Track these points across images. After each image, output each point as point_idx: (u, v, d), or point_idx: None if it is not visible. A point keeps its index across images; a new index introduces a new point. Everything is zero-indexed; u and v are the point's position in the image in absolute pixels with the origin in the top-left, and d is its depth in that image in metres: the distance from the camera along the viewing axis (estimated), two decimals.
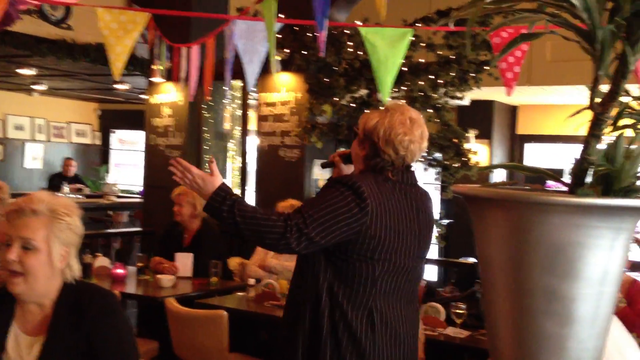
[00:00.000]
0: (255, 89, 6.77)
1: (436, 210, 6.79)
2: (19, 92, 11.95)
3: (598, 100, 1.24)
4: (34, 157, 12.60)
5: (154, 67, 6.71)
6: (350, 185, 2.31)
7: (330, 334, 2.32)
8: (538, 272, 1.27)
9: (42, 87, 10.97)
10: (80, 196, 10.13)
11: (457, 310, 3.79)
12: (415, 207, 2.43)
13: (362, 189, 2.29)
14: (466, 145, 5.99)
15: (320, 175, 6.64)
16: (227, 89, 6.38)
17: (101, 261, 5.11)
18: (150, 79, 7.28)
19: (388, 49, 3.38)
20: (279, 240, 2.22)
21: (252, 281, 4.55)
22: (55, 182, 10.40)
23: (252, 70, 3.79)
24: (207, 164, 2.34)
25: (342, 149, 3.02)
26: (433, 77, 5.63)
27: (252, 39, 3.64)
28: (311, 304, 2.36)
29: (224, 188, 2.27)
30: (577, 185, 1.27)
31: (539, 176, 1.39)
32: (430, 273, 7.16)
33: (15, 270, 1.92)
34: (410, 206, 2.42)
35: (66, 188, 10.04)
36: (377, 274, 2.34)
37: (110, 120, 13.64)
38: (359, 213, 2.28)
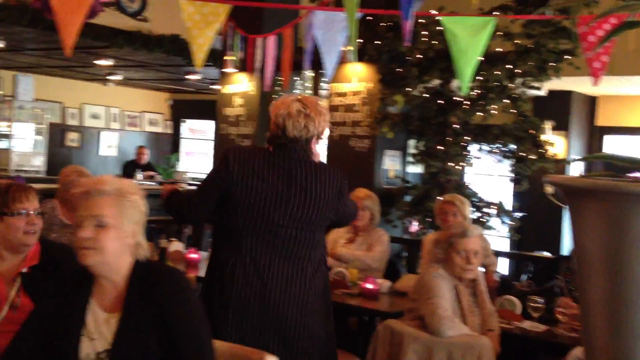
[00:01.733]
0: (327, 79, 6.81)
1: (509, 202, 6.65)
2: (95, 82, 12.34)
3: None
4: (109, 145, 13.02)
5: (226, 57, 6.80)
6: (223, 153, 2.77)
7: (207, 281, 2.79)
8: (635, 263, 1.26)
9: (117, 78, 11.27)
10: (153, 183, 10.38)
11: (535, 304, 3.73)
12: (286, 177, 2.71)
13: (229, 154, 2.72)
14: (543, 137, 5.87)
15: (391, 165, 6.62)
16: (297, 79, 6.40)
17: (176, 246, 5.22)
18: (222, 69, 7.38)
19: (469, 39, 3.35)
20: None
21: None
22: (128, 169, 10.68)
23: (330, 61, 3.81)
24: None
25: None
26: (510, 66, 5.52)
27: (331, 29, 3.66)
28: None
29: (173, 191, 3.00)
30: None
31: (621, 168, 1.37)
32: (503, 266, 7.05)
33: (89, 246, 1.99)
34: (280, 175, 2.71)
35: (139, 175, 10.30)
36: (241, 228, 2.69)
37: (181, 110, 13.95)
38: (223, 172, 2.70)
